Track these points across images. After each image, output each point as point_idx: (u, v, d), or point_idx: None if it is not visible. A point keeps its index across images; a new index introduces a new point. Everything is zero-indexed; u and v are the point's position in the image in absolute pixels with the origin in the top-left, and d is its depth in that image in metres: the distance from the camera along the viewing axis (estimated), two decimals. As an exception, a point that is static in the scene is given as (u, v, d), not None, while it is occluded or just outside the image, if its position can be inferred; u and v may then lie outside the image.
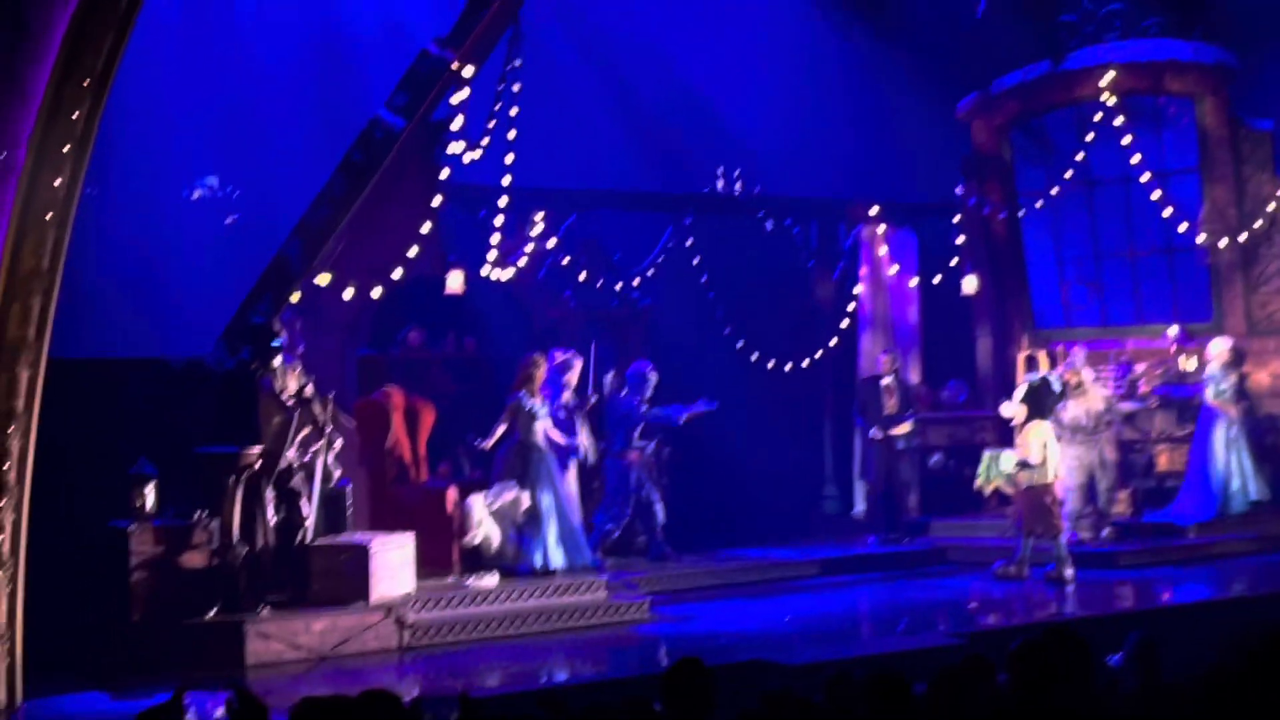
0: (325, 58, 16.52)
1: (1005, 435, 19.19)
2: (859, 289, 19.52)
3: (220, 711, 5.52)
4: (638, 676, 10.50)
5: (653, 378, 15.98)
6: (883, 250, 19.57)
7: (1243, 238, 19.03)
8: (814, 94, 20.32)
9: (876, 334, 19.43)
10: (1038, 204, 19.85)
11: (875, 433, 17.56)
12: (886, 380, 17.60)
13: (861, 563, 16.74)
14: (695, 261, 18.24)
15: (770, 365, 18.54)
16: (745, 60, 20.01)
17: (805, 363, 18.80)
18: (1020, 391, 15.54)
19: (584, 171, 18.43)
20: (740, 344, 18.33)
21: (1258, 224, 19.01)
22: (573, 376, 15.17)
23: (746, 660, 10.99)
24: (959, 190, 19.80)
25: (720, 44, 19.84)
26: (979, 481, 17.78)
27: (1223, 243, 19.01)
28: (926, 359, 19.86)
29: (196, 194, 17.67)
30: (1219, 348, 17.66)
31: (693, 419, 16.12)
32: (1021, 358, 19.64)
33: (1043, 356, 19.41)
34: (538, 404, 14.27)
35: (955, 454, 19.06)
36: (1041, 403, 15.36)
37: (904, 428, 17.54)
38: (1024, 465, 15.26)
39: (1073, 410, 16.51)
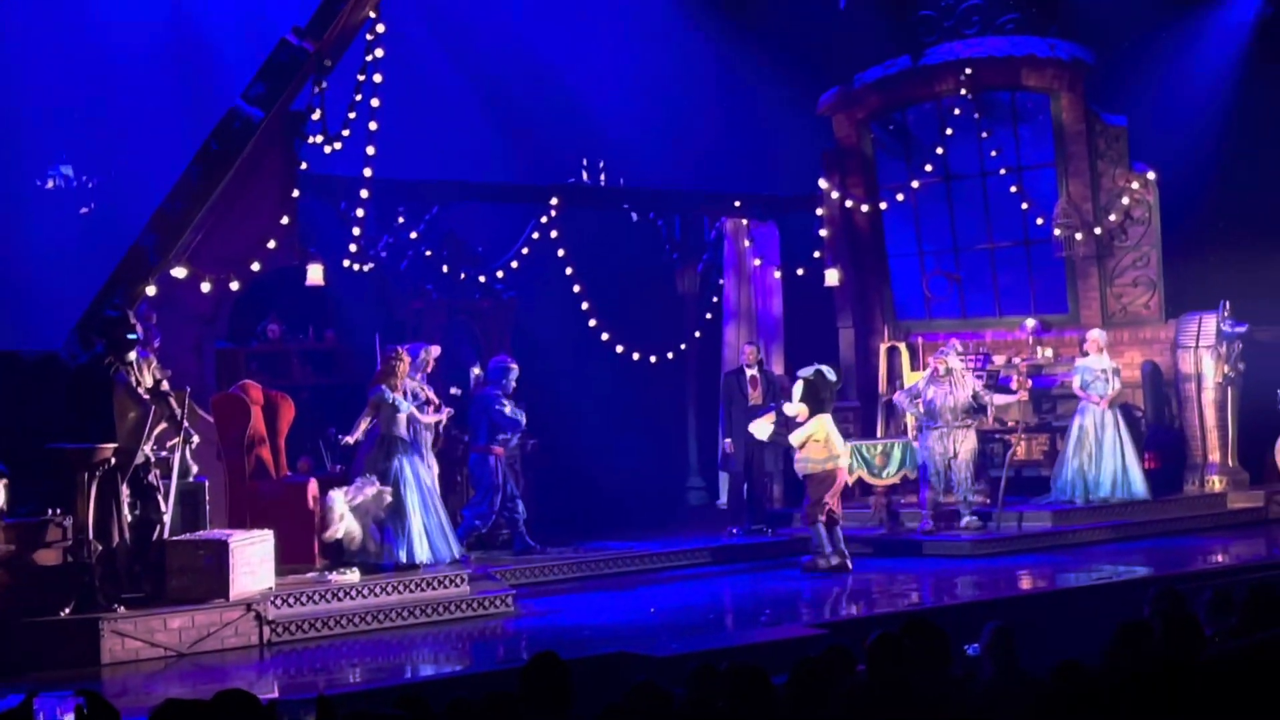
0: (183, 44, 16.16)
1: (868, 426, 19.46)
2: (723, 281, 19.65)
3: (70, 717, 5.40)
4: (500, 670, 10.40)
5: (514, 370, 15.86)
6: (746, 243, 19.70)
7: (1098, 231, 19.39)
8: (678, 88, 20.32)
9: (740, 326, 19.55)
10: (898, 197, 20.06)
11: (728, 444, 17.61)
12: (750, 372, 17.67)
13: (726, 554, 16.79)
14: (560, 254, 18.20)
15: (635, 357, 18.57)
16: (610, 54, 19.97)
17: (670, 355, 18.86)
18: (798, 389, 15.45)
19: (449, 164, 18.24)
20: (605, 336, 18.35)
21: (1112, 217, 19.38)
22: (428, 364, 15.06)
23: (611, 653, 10.93)
24: (821, 184, 19.95)
25: (585, 37, 19.76)
26: (842, 472, 17.96)
27: (1078, 236, 19.34)
28: (790, 350, 19.97)
29: (50, 183, 17.26)
30: (1093, 338, 17.97)
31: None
32: (883, 348, 19.87)
33: (903, 348, 19.69)
34: (400, 397, 14.08)
35: (817, 445, 19.18)
36: (819, 396, 15.41)
37: (768, 419, 17.58)
38: (779, 431, 15.38)
39: (938, 399, 16.66)
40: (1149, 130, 19.55)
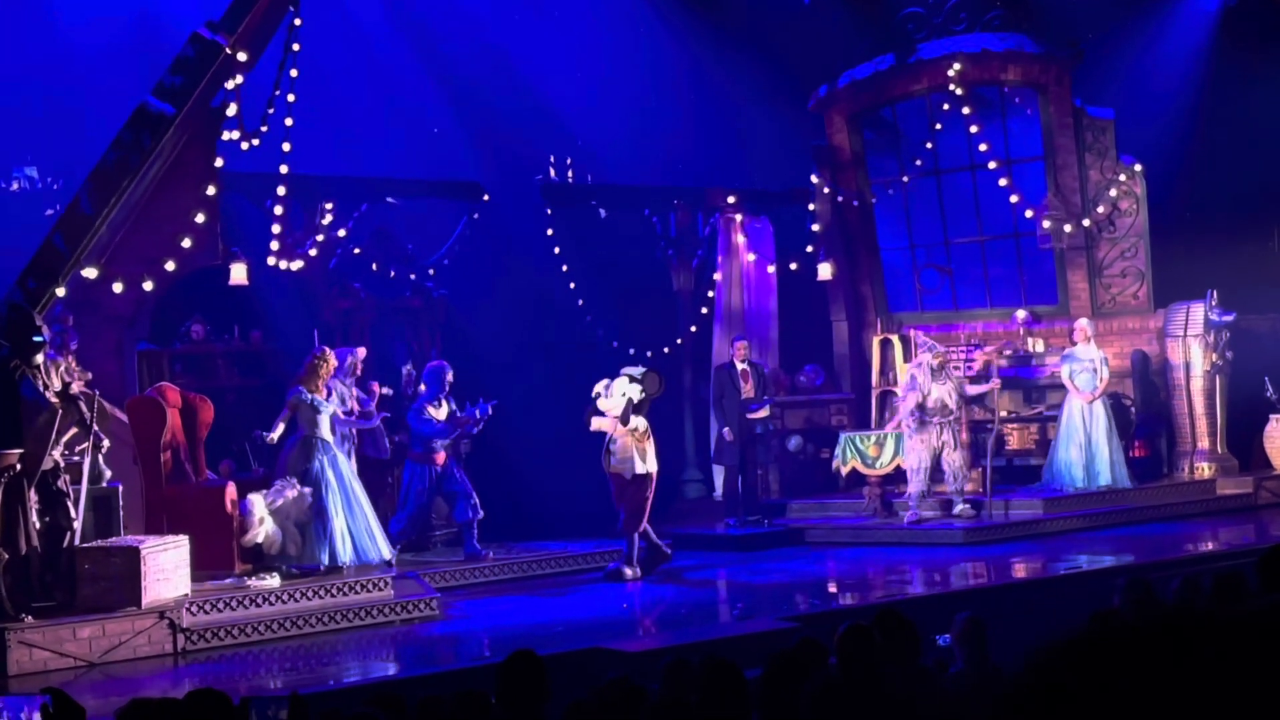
0: (147, 46, 15.71)
1: (862, 418, 19.38)
2: (717, 276, 19.58)
3: (36, 716, 5.34)
4: (424, 675, 10.10)
5: (449, 376, 15.20)
6: (740, 238, 19.62)
7: (1086, 223, 19.32)
8: (667, 87, 20.16)
9: (733, 320, 19.47)
10: (889, 192, 19.99)
11: (727, 433, 17.45)
12: (741, 366, 17.59)
13: (716, 543, 16.71)
14: (556, 250, 18.11)
15: (631, 353, 18.46)
16: (587, 52, 19.69)
17: (665, 350, 18.78)
18: (633, 387, 14.78)
19: (412, 161, 17.81)
20: (600, 333, 18.31)
21: (1101, 209, 19.30)
22: (356, 368, 14.61)
23: (585, 648, 10.67)
24: (813, 179, 19.89)
25: (558, 36, 19.43)
26: (836, 463, 17.93)
27: (1067, 228, 19.26)
28: (784, 344, 19.89)
29: (15, 185, 17.02)
30: (1080, 327, 17.91)
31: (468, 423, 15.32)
32: (876, 341, 19.80)
33: (896, 340, 19.61)
34: (322, 398, 13.56)
35: (812, 436, 19.17)
36: (647, 396, 14.90)
37: (760, 413, 17.51)
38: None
39: (944, 395, 16.62)
40: (1136, 122, 19.41)
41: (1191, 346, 18.42)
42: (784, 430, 18.92)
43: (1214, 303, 18.36)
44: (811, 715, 6.25)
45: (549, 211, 18.15)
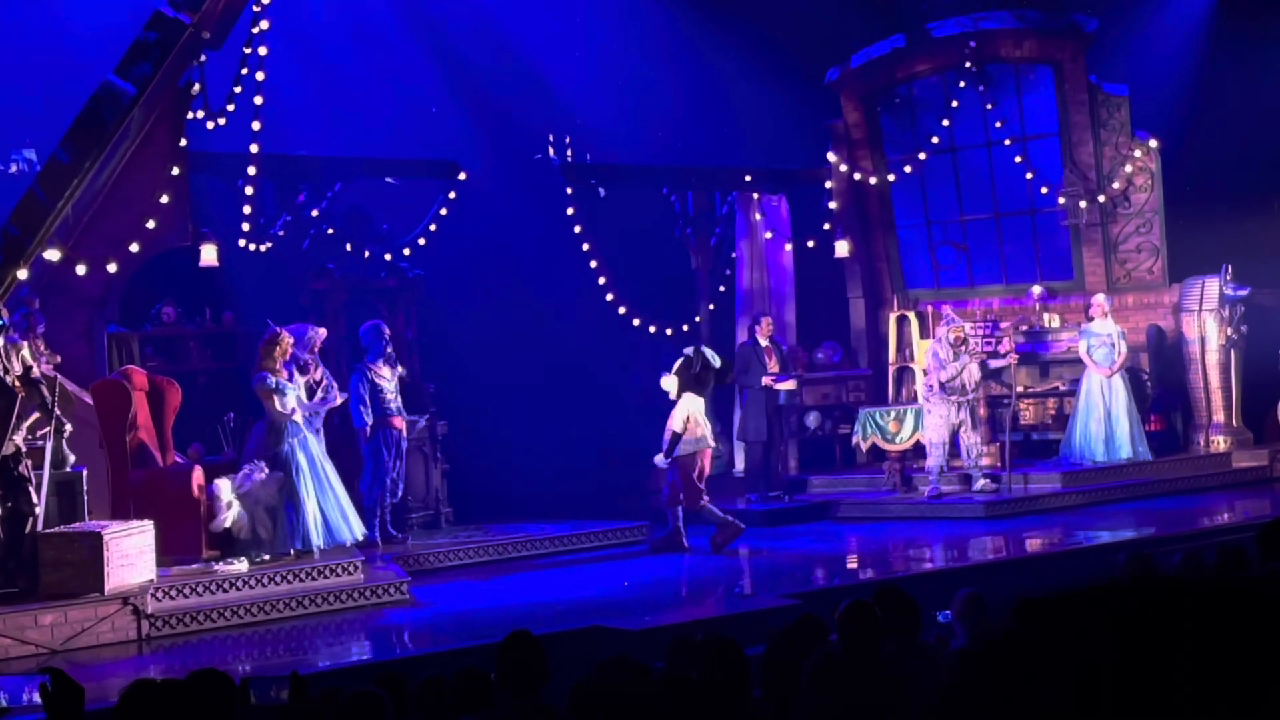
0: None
1: (879, 393, 19.27)
2: (735, 255, 19.47)
3: (34, 696, 5.28)
4: (395, 659, 10.02)
5: (387, 333, 14.92)
6: (757, 216, 19.50)
7: (1102, 199, 19.16)
8: (673, 66, 19.92)
9: (752, 298, 19.36)
10: (906, 169, 19.85)
11: (767, 380, 17.17)
12: (765, 343, 17.44)
13: (738, 519, 16.59)
14: (577, 229, 17.99)
15: (652, 331, 18.43)
16: (594, 30, 19.47)
17: (685, 328, 18.68)
18: (677, 366, 14.79)
19: (403, 141, 17.55)
20: (622, 310, 18.21)
21: (1116, 185, 19.15)
22: (315, 343, 14.16)
23: (587, 627, 10.56)
24: (830, 157, 19.74)
25: (562, 15, 19.28)
26: (856, 438, 17.84)
27: (1083, 204, 19.12)
28: (801, 321, 19.79)
29: (14, 167, 16.87)
30: (1097, 303, 17.77)
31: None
32: (893, 318, 19.67)
33: (913, 317, 19.46)
34: (285, 380, 13.18)
35: (829, 413, 19.06)
36: (691, 374, 14.76)
37: (788, 384, 17.36)
38: (676, 437, 14.64)
39: (971, 372, 16.51)
40: (1150, 98, 19.27)
41: (1206, 321, 18.29)
42: (802, 407, 18.81)
43: (1229, 277, 18.24)
44: (812, 691, 6.18)
45: (569, 190, 18.01)
